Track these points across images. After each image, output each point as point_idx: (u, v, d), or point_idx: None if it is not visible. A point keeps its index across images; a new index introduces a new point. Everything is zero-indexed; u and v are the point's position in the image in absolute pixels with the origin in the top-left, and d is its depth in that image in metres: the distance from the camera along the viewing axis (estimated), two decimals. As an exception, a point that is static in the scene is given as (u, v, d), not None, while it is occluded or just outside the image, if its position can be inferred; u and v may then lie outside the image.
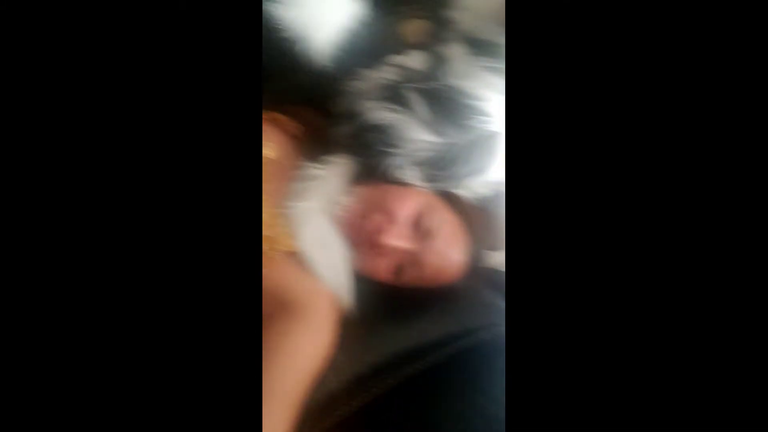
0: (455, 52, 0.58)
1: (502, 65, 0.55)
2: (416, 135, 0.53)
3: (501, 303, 0.60)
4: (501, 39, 0.57)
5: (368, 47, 0.63)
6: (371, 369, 0.54)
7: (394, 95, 0.54)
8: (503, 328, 0.53)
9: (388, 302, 0.58)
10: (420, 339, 0.58)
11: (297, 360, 0.43)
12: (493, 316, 0.56)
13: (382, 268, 0.53)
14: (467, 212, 0.58)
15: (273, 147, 0.57)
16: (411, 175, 0.54)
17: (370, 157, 0.55)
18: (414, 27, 0.68)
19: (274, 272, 0.47)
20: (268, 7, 0.54)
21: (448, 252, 0.54)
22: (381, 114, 0.54)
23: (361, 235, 0.52)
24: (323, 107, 0.64)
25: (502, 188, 0.64)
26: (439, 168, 0.55)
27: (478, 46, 0.59)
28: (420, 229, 0.52)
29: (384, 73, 0.57)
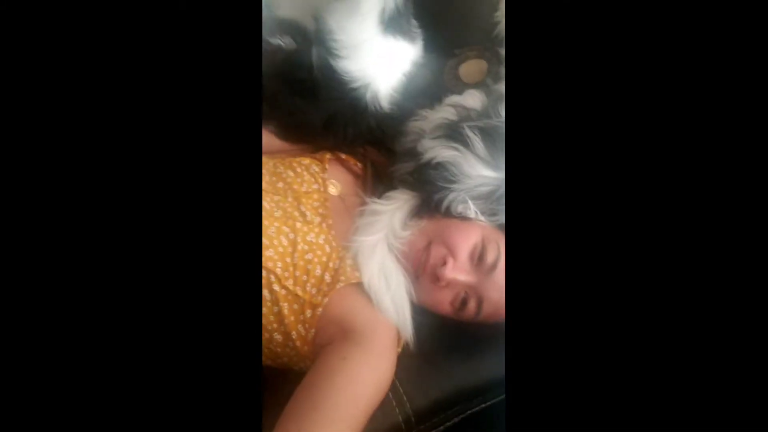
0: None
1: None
2: (475, 171, 0.55)
3: None
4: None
5: (428, 89, 0.66)
6: (434, 403, 0.54)
7: (453, 133, 0.57)
8: None
9: (450, 337, 0.58)
10: (481, 376, 0.58)
11: (357, 385, 0.44)
12: None
13: (444, 302, 0.54)
14: None
15: (337, 185, 0.61)
16: (471, 209, 0.55)
17: (431, 192, 0.57)
18: (471, 67, 0.71)
19: (338, 301, 0.50)
20: (335, 61, 0.59)
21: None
22: (441, 151, 0.56)
23: (424, 268, 0.54)
24: (385, 146, 0.68)
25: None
26: (499, 202, 0.55)
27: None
28: (481, 262, 0.52)
29: (443, 113, 0.60)
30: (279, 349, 0.52)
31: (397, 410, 0.51)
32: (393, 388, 0.50)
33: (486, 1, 0.70)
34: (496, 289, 0.52)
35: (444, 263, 0.52)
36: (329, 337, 0.49)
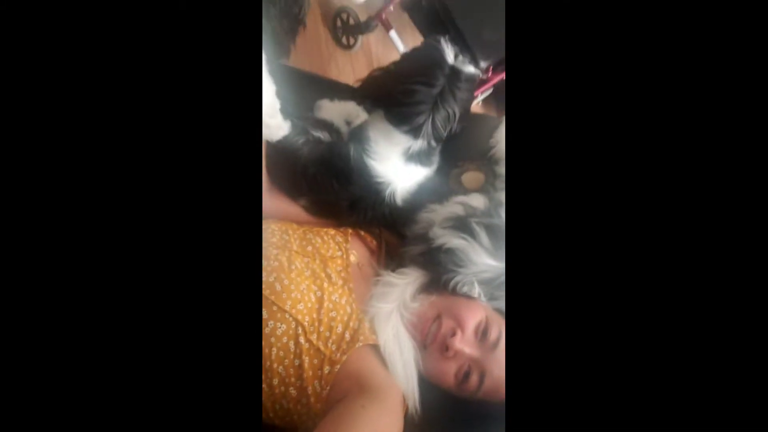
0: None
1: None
2: (480, 259, 0.64)
3: None
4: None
5: (438, 189, 0.79)
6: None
7: (461, 225, 0.67)
8: None
9: (450, 412, 0.61)
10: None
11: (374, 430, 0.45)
12: None
13: (448, 373, 0.58)
14: None
15: (356, 255, 0.69)
16: (476, 290, 0.64)
17: (440, 273, 0.65)
18: (471, 177, 0.86)
19: (355, 359, 0.54)
20: (366, 161, 0.72)
21: None
22: (451, 239, 0.66)
23: (434, 338, 0.59)
24: (398, 231, 0.78)
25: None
26: (499, 288, 0.64)
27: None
28: (485, 339, 0.58)
29: (452, 208, 0.72)
30: (291, 405, 0.53)
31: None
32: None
33: (485, 128, 0.88)
34: (497, 365, 0.57)
35: (453, 334, 0.58)
36: (344, 392, 0.51)
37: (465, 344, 0.58)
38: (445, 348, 0.57)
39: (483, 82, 1.27)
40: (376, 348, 0.57)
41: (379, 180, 0.73)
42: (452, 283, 0.64)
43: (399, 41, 1.25)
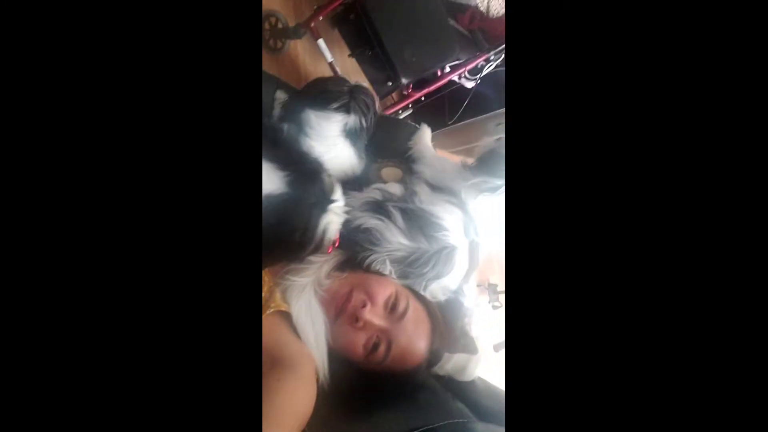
0: (421, 189, 0.79)
1: (458, 199, 0.76)
2: (394, 238, 0.68)
3: (459, 405, 0.65)
4: (456, 185, 0.78)
5: (358, 180, 0.82)
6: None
7: (378, 207, 0.71)
8: (461, 422, 0.58)
9: (358, 388, 0.61)
10: (385, 429, 0.60)
11: (293, 404, 0.45)
12: (451, 414, 0.61)
13: (357, 343, 0.59)
14: (430, 309, 0.69)
15: None
16: (388, 268, 0.66)
17: (357, 251, 0.67)
18: (389, 171, 0.91)
19: (268, 329, 0.53)
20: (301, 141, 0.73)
21: (415, 335, 0.62)
22: (368, 220, 0.69)
23: (344, 309, 0.60)
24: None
25: (457, 296, 0.77)
26: (411, 266, 0.68)
27: (437, 189, 0.80)
28: (393, 311, 0.61)
29: (371, 194, 0.75)
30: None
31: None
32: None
33: (404, 132, 0.95)
34: (404, 334, 0.60)
35: (363, 305, 0.60)
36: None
37: (374, 316, 0.60)
38: (355, 319, 0.59)
39: (403, 98, 1.37)
40: (287, 317, 0.56)
41: (310, 158, 0.74)
42: (367, 261, 0.66)
43: (327, 51, 1.29)
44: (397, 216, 0.69)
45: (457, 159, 0.93)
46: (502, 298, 1.78)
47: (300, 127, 0.74)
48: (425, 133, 0.94)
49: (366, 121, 0.77)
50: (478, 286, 1.67)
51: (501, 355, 1.70)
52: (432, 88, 1.32)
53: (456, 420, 0.59)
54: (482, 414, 0.65)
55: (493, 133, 1.50)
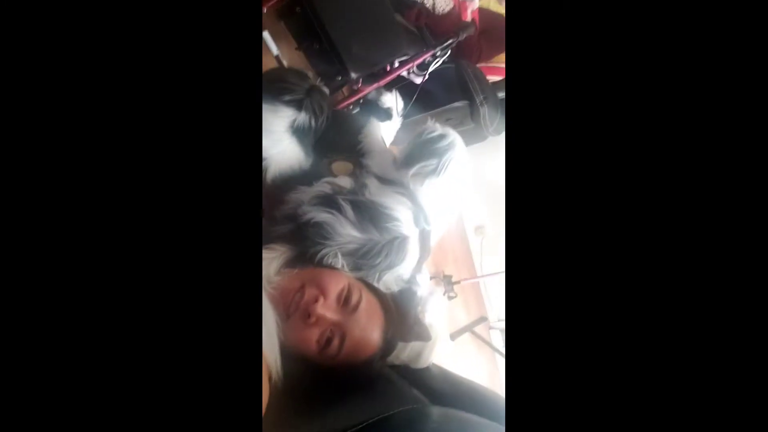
0: (371, 182, 0.79)
1: (406, 190, 0.77)
2: (345, 231, 0.68)
3: (414, 392, 0.66)
4: (403, 178, 0.80)
5: (307, 174, 0.81)
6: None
7: (328, 201, 0.70)
8: (418, 407, 0.59)
9: (312, 384, 0.61)
10: (341, 421, 0.60)
11: None
12: (408, 400, 0.62)
13: (310, 339, 0.58)
14: (384, 300, 0.69)
15: None
16: (340, 261, 0.66)
17: (307, 246, 0.67)
18: (340, 165, 0.91)
19: None
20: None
21: (368, 327, 0.62)
22: (317, 214, 0.68)
23: (297, 306, 0.59)
24: (269, 214, 0.77)
25: (410, 286, 0.79)
26: (363, 258, 0.68)
27: (385, 181, 0.81)
28: (346, 304, 0.61)
29: (321, 187, 0.74)
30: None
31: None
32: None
33: (353, 125, 0.95)
34: (357, 326, 0.60)
35: (315, 300, 0.59)
36: None
37: (327, 310, 0.59)
38: (307, 315, 0.58)
39: (353, 93, 1.36)
40: None
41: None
42: (318, 256, 0.66)
43: (273, 43, 1.26)
44: (348, 209, 0.69)
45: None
46: (457, 288, 1.84)
47: None
48: (375, 126, 0.94)
49: (316, 122, 0.77)
50: (432, 278, 1.72)
51: (456, 343, 1.75)
52: (382, 83, 1.33)
53: (411, 406, 0.60)
54: (437, 398, 0.67)
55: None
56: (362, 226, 0.69)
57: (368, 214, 0.70)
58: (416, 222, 0.76)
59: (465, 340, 1.93)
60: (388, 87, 1.40)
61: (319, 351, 0.59)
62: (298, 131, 0.77)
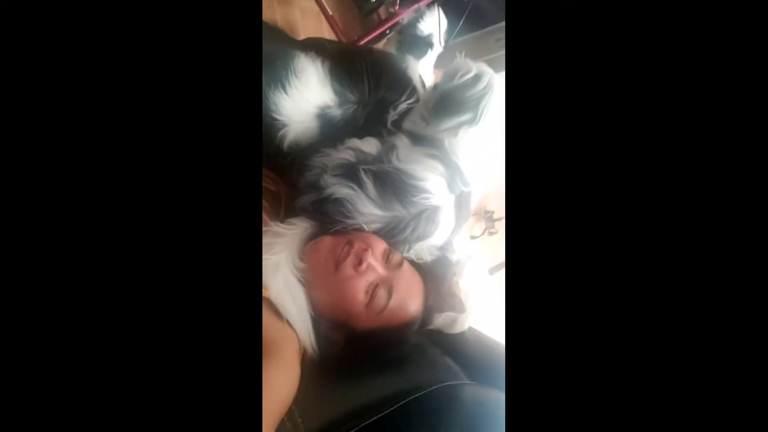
0: (401, 141, 0.71)
1: (440, 151, 0.69)
2: (366, 209, 0.63)
3: (447, 361, 0.66)
4: (440, 134, 0.70)
5: (334, 131, 0.74)
6: (327, 424, 0.56)
7: (350, 173, 0.65)
8: (450, 385, 0.59)
9: (348, 353, 0.62)
10: (374, 394, 0.62)
11: (273, 392, 0.46)
12: (440, 374, 0.62)
13: (359, 289, 0.58)
14: (420, 268, 0.68)
15: None
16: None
17: (326, 223, 0.64)
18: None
19: None
20: (270, 96, 0.66)
21: (412, 288, 0.62)
22: (338, 189, 0.64)
23: (347, 254, 0.59)
24: (292, 179, 0.73)
25: (444, 253, 0.75)
26: (387, 236, 0.64)
27: (417, 139, 0.72)
28: (390, 261, 0.61)
29: (343, 154, 0.68)
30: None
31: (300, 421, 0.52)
32: (288, 411, 0.51)
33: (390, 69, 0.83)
34: (403, 281, 0.61)
35: (365, 250, 0.59)
36: None
37: (376, 261, 0.60)
38: (359, 261, 0.58)
39: (390, 17, 1.20)
40: (265, 302, 0.55)
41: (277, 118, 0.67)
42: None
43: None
44: (369, 184, 0.63)
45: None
46: (499, 224, 1.78)
47: None
48: (413, 66, 0.82)
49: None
50: (474, 215, 1.66)
51: (494, 278, 1.74)
52: (423, 2, 1.15)
53: (443, 384, 0.59)
54: (471, 368, 0.66)
55: (493, 50, 1.34)
56: (385, 203, 0.64)
57: (392, 189, 0.64)
58: (451, 188, 0.68)
59: (503, 275, 1.92)
60: (430, 6, 1.20)
61: (367, 303, 0.58)
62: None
